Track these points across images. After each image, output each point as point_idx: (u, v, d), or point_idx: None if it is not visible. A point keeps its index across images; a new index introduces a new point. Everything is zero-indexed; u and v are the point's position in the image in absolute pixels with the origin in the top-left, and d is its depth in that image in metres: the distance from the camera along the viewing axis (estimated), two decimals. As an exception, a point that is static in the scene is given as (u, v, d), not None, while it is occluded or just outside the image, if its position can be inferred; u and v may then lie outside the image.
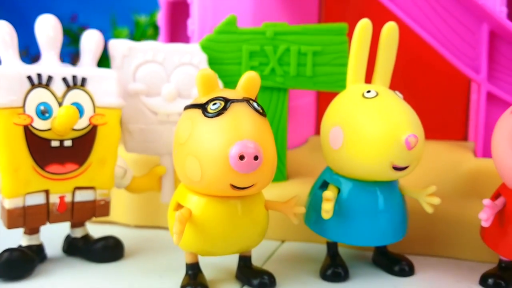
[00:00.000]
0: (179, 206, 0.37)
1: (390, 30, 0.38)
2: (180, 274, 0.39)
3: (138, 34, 1.37)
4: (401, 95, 0.38)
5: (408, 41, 0.50)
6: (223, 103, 0.35)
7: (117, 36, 1.31)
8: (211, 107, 0.35)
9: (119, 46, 0.46)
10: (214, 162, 0.33)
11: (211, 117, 0.34)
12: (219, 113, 0.34)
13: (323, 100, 0.62)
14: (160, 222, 0.52)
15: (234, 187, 0.34)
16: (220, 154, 0.33)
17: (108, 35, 1.32)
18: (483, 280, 0.39)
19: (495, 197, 0.38)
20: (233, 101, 0.35)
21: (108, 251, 0.44)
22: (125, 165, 0.45)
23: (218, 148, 0.33)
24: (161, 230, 0.52)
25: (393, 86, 0.42)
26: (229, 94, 0.36)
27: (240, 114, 0.34)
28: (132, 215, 0.53)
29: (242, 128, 0.34)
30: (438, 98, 0.58)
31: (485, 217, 0.36)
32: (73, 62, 0.43)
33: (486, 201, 0.36)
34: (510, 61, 0.46)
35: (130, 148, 0.47)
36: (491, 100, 0.46)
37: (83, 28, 1.28)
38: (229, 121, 0.34)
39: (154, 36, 1.29)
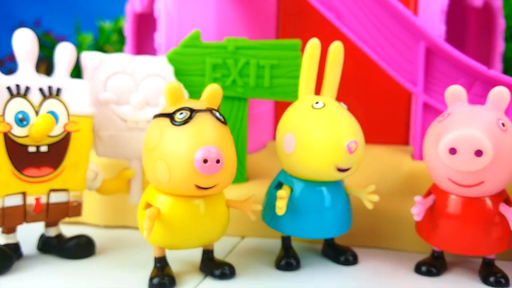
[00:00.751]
0: (148, 205, 0.41)
1: (336, 49, 0.44)
2: (148, 268, 0.43)
3: (102, 40, 1.38)
4: (345, 106, 0.44)
5: (358, 56, 0.56)
6: (189, 113, 0.39)
7: (81, 42, 1.32)
8: (178, 116, 0.39)
9: (91, 58, 0.50)
10: (181, 165, 0.38)
11: (178, 125, 0.39)
12: (185, 121, 0.39)
13: (280, 108, 0.67)
14: (128, 222, 0.55)
15: (199, 187, 0.38)
16: (186, 158, 0.37)
17: (72, 41, 1.33)
18: (417, 268, 0.44)
19: (427, 195, 0.44)
20: (197, 111, 0.39)
21: (81, 248, 0.47)
22: (96, 169, 0.49)
23: (185, 153, 0.37)
24: (129, 230, 0.55)
25: (346, 96, 0.47)
26: (194, 104, 0.40)
27: (204, 123, 0.39)
28: (101, 215, 0.56)
29: (206, 135, 0.38)
30: (383, 107, 0.63)
31: (416, 211, 0.41)
32: (37, 66, 0.45)
33: (417, 198, 0.42)
34: (443, 75, 0.51)
35: (101, 153, 0.51)
36: (426, 109, 0.52)
37: (47, 33, 1.28)
38: (194, 129, 0.38)
39: (119, 42, 1.30)
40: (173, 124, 0.39)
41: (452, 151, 0.37)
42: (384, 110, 0.63)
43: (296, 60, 0.52)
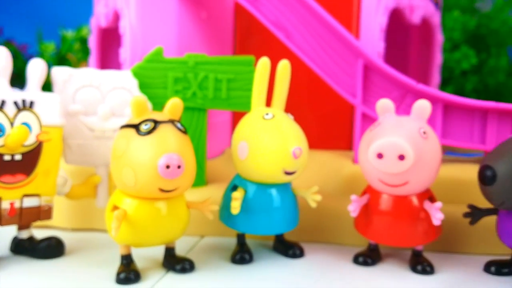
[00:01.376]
0: (115, 208, 0.45)
1: (283, 67, 0.49)
2: (115, 265, 0.46)
3: (64, 48, 1.40)
4: (292, 117, 0.49)
5: (309, 70, 0.62)
6: (153, 124, 0.44)
7: (43, 50, 1.33)
8: (143, 127, 0.44)
9: (60, 73, 0.53)
10: (145, 171, 0.42)
11: (143, 135, 0.43)
12: (149, 132, 0.43)
13: (237, 118, 0.72)
14: (95, 225, 0.59)
15: (162, 190, 0.43)
16: (151, 165, 0.42)
17: (34, 49, 1.34)
18: (355, 259, 0.50)
19: (363, 194, 0.50)
20: (161, 122, 0.44)
21: (51, 249, 0.51)
22: (65, 175, 0.53)
23: (149, 160, 0.42)
24: (96, 232, 0.58)
25: (298, 106, 0.53)
26: (157, 116, 0.45)
27: (166, 133, 0.44)
28: (69, 219, 0.59)
29: (168, 144, 0.43)
30: (330, 116, 0.69)
31: (352, 208, 0.48)
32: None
33: (353, 197, 0.48)
34: (379, 88, 0.58)
35: (70, 161, 0.55)
36: (364, 119, 0.59)
37: (9, 42, 1.29)
38: (157, 138, 0.43)
39: (81, 51, 1.33)
40: (138, 134, 0.43)
41: (379, 156, 0.43)
42: (331, 119, 0.70)
43: (250, 75, 0.57)
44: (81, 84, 0.54)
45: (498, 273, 0.48)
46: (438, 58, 0.82)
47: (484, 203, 0.47)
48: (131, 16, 0.60)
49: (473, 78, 1.10)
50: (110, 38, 0.76)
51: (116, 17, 0.68)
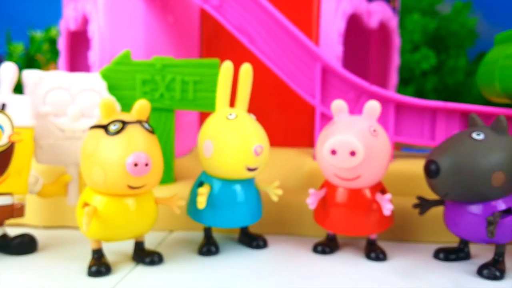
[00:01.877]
0: (86, 204, 0.47)
1: (245, 70, 0.52)
2: (87, 259, 0.49)
3: (33, 49, 1.40)
4: (254, 117, 0.52)
5: (272, 72, 0.65)
6: (121, 125, 0.46)
7: (12, 51, 1.33)
8: (112, 128, 0.46)
9: (31, 76, 0.55)
10: (114, 169, 0.45)
11: (112, 135, 0.46)
12: (118, 132, 0.46)
13: (204, 118, 0.75)
14: (66, 222, 0.61)
15: (130, 187, 0.46)
16: (119, 163, 0.44)
17: (3, 50, 1.33)
18: (314, 248, 0.54)
19: (321, 188, 0.54)
20: (129, 123, 0.46)
21: (25, 245, 0.53)
22: (37, 174, 0.55)
23: (118, 158, 0.45)
24: (67, 230, 0.61)
25: (264, 107, 0.55)
26: (125, 117, 0.47)
27: (134, 133, 0.46)
28: (41, 217, 0.61)
29: (136, 143, 0.45)
30: (294, 116, 0.73)
31: (310, 201, 0.51)
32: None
33: (311, 190, 0.51)
34: (336, 90, 0.62)
35: (41, 160, 0.56)
36: (323, 118, 0.62)
37: (-24, 43, 1.29)
38: (126, 138, 0.45)
39: (50, 52, 1.33)
40: (107, 134, 0.46)
41: (333, 152, 0.47)
42: (294, 119, 0.73)
43: (215, 77, 0.59)
44: (51, 86, 0.56)
45: (447, 259, 0.52)
46: (396, 60, 0.86)
47: (433, 195, 0.51)
48: (99, 20, 0.62)
49: (433, 78, 1.15)
50: (79, 40, 0.78)
51: (85, 21, 0.70)
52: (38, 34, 1.42)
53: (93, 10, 0.63)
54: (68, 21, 0.76)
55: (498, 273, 0.48)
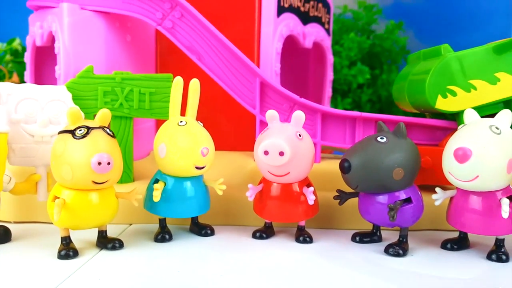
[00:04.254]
0: (56, 198, 0.55)
1: (193, 84, 0.61)
2: (56, 247, 0.56)
3: (-5, 59, 1.44)
4: (201, 124, 0.61)
5: (218, 87, 0.75)
6: (86, 130, 0.54)
7: (-27, 62, 1.36)
8: (78, 132, 0.54)
9: (4, 87, 0.63)
10: (81, 167, 0.53)
11: (78, 139, 0.54)
12: (83, 136, 0.54)
13: (160, 125, 0.84)
14: (35, 217, 0.68)
15: (94, 182, 0.54)
16: (85, 162, 0.53)
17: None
18: (253, 234, 0.63)
19: (259, 184, 0.64)
20: (92, 128, 0.55)
21: (1, 235, 0.60)
22: (10, 174, 0.62)
23: (84, 158, 0.53)
24: (36, 224, 0.68)
25: (211, 116, 0.64)
26: (90, 123, 0.56)
27: (98, 137, 0.54)
28: (12, 213, 0.68)
29: (99, 145, 0.54)
30: (238, 123, 0.83)
31: (249, 194, 0.61)
32: None
33: (250, 185, 0.61)
34: (273, 101, 0.72)
35: (13, 162, 0.63)
36: (262, 125, 0.72)
37: None
38: (90, 141, 0.54)
39: (11, 62, 1.37)
40: (74, 138, 0.54)
41: (266, 153, 0.57)
42: (240, 126, 0.83)
43: (168, 89, 0.68)
44: (22, 97, 0.64)
45: (361, 241, 0.63)
46: (330, 75, 0.98)
47: (349, 189, 0.61)
48: (64, 38, 0.70)
49: (368, 90, 1.26)
50: (44, 54, 0.85)
51: (51, 38, 0.78)
52: (0, 46, 1.46)
53: (58, 29, 0.71)
54: (34, 37, 0.83)
55: (401, 251, 0.58)
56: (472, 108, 0.62)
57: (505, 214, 0.54)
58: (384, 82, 1.28)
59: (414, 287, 0.49)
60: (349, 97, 1.25)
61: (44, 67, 0.87)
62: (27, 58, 0.88)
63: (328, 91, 0.97)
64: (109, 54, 0.74)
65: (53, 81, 0.77)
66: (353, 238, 0.64)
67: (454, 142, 0.54)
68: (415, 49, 1.39)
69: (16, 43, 1.39)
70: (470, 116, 0.58)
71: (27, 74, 0.88)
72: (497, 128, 0.55)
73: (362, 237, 0.63)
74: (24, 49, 1.41)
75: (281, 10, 0.80)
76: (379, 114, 0.71)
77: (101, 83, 0.68)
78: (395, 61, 1.31)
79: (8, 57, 1.46)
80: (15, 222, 0.68)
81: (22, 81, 1.31)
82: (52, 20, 0.73)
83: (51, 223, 0.66)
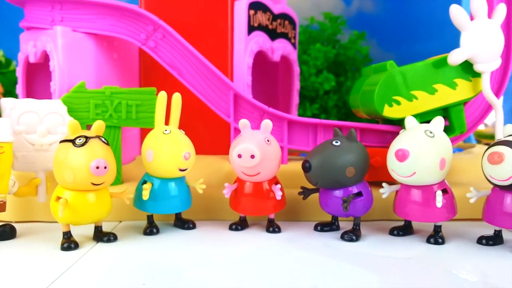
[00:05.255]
0: (58, 198, 0.64)
1: (175, 97, 0.71)
2: (58, 241, 0.65)
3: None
4: (183, 132, 0.71)
5: (196, 99, 0.84)
6: (85, 139, 0.63)
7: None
8: (78, 141, 0.63)
9: (8, 102, 0.71)
10: (81, 171, 0.62)
11: (78, 147, 0.62)
12: (82, 144, 0.63)
13: (144, 132, 0.93)
14: (35, 217, 0.76)
15: (93, 184, 0.63)
16: (85, 166, 0.61)
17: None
18: (230, 227, 0.73)
19: (234, 183, 0.73)
20: (90, 137, 0.64)
21: (6, 233, 0.68)
22: (14, 178, 0.70)
23: (84, 163, 0.62)
24: (36, 223, 0.76)
25: (191, 124, 0.74)
26: (87, 133, 0.65)
27: (95, 145, 0.63)
28: (14, 213, 0.76)
29: (96, 152, 0.63)
30: (214, 130, 0.92)
31: (225, 192, 0.71)
32: None
33: (226, 184, 0.71)
34: (245, 110, 0.82)
35: (16, 168, 0.72)
36: (236, 132, 0.82)
37: None
38: (88, 148, 0.62)
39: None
40: (74, 146, 0.63)
41: (239, 156, 0.67)
42: (217, 133, 0.93)
43: (153, 101, 0.77)
44: (23, 110, 0.72)
45: (322, 230, 0.73)
46: (297, 85, 1.08)
47: (311, 186, 0.72)
48: (59, 57, 0.79)
49: (334, 96, 1.34)
50: (35, 69, 0.93)
51: (44, 55, 0.86)
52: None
53: (53, 49, 0.80)
54: (26, 54, 0.91)
55: (354, 237, 0.69)
56: (413, 115, 0.74)
57: (438, 204, 0.65)
58: (348, 89, 1.35)
59: (364, 264, 0.60)
60: (317, 102, 1.34)
61: (35, 80, 0.95)
62: (19, 72, 0.95)
63: (295, 99, 1.08)
64: (99, 71, 0.83)
65: (44, 93, 0.86)
66: (315, 228, 0.74)
67: (395, 144, 0.66)
68: (378, 57, 1.48)
69: (0, 55, 1.46)
70: (410, 122, 0.69)
71: (19, 87, 0.95)
72: (431, 132, 0.66)
73: (322, 227, 0.74)
74: (7, 60, 1.48)
75: (251, 29, 0.90)
76: (336, 121, 0.82)
77: (92, 96, 0.77)
78: (359, 69, 1.39)
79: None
80: (16, 222, 0.76)
81: (6, 90, 1.38)
82: (47, 41, 0.81)
83: (50, 221, 0.75)
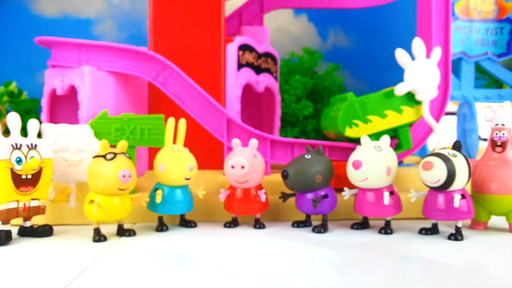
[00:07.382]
0: (91, 201, 0.82)
1: (181, 122, 0.90)
2: (88, 237, 0.83)
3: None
4: (187, 149, 0.90)
5: (196, 123, 1.03)
6: (113, 155, 0.82)
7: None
8: (108, 157, 0.81)
9: (47, 127, 0.90)
10: (112, 179, 0.80)
11: (109, 160, 0.81)
12: (112, 159, 0.81)
13: (152, 151, 1.12)
14: (66, 221, 0.93)
15: (120, 189, 0.81)
16: (115, 175, 0.79)
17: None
18: (224, 225, 0.91)
19: (228, 189, 0.92)
20: (117, 153, 0.82)
21: (46, 231, 0.85)
22: (51, 188, 0.88)
23: (113, 173, 0.80)
24: (67, 226, 0.93)
25: (193, 143, 0.94)
26: (115, 150, 0.83)
27: (121, 159, 0.81)
28: (48, 217, 0.94)
29: (123, 165, 0.81)
30: (210, 148, 1.11)
31: (221, 196, 0.89)
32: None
33: (222, 190, 0.90)
34: (236, 132, 1.02)
35: (53, 179, 0.89)
36: (229, 150, 1.01)
37: None
38: (117, 162, 0.81)
39: (8, 102, 1.60)
40: (105, 160, 0.81)
41: (232, 167, 0.85)
42: (211, 151, 1.12)
43: (162, 125, 0.95)
44: (59, 133, 0.91)
45: (298, 226, 0.92)
46: (278, 111, 1.28)
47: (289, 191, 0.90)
48: (86, 90, 0.98)
49: (312, 121, 1.50)
50: (59, 100, 1.11)
51: (70, 89, 1.05)
52: (-1, 88, 1.68)
53: (81, 84, 0.99)
54: (52, 87, 1.09)
55: (323, 230, 0.87)
56: (369, 135, 0.94)
57: (386, 201, 0.85)
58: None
59: (329, 247, 0.78)
60: (297, 126, 1.48)
61: (58, 109, 1.14)
62: (44, 102, 1.12)
63: (277, 123, 1.27)
64: (117, 101, 1.02)
65: (64, 120, 1.04)
66: (292, 225, 0.92)
67: (352, 157, 0.85)
68: (351, 86, 1.66)
69: (13, 86, 1.63)
70: (364, 140, 0.89)
71: (43, 115, 1.13)
72: (379, 147, 0.86)
73: (298, 224, 0.92)
74: (19, 91, 1.65)
75: (240, 66, 1.10)
76: (309, 140, 1.01)
77: (113, 122, 0.95)
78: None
79: (5, 98, 1.68)
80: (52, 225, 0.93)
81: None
82: (75, 77, 1.00)
83: (77, 224, 0.93)
